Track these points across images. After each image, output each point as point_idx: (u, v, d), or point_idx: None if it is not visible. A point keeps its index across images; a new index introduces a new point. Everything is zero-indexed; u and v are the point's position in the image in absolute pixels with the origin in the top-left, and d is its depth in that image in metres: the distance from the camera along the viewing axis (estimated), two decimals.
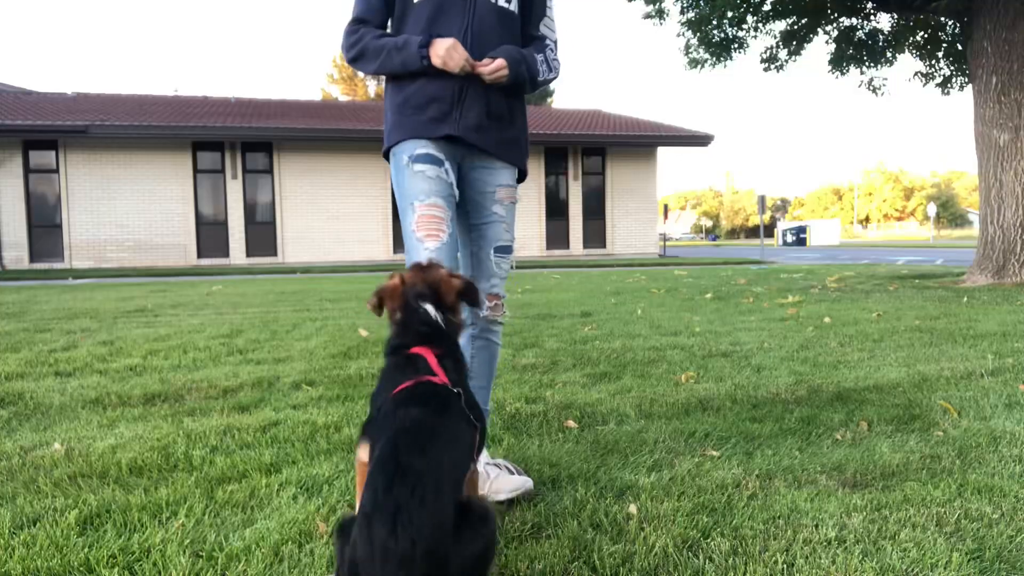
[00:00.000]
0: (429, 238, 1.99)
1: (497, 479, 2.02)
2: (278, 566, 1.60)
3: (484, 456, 2.10)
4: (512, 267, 2.26)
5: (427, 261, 1.78)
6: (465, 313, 1.88)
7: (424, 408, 1.36)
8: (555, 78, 2.22)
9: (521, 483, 2.01)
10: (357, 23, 2.10)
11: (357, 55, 2.08)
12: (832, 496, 1.98)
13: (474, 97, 2.05)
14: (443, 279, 1.62)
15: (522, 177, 2.26)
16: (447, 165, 2.06)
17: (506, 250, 2.20)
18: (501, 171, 2.18)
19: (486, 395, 2.23)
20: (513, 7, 2.12)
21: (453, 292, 1.62)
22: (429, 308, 1.58)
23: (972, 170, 75.73)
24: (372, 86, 39.24)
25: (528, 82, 2.12)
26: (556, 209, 22.42)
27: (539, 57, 2.14)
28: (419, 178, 2.03)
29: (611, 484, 2.08)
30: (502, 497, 1.97)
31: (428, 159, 2.04)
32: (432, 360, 1.51)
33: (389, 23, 2.17)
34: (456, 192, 2.11)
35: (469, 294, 1.66)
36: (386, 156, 2.15)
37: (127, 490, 2.07)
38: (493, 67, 1.98)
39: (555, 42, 2.24)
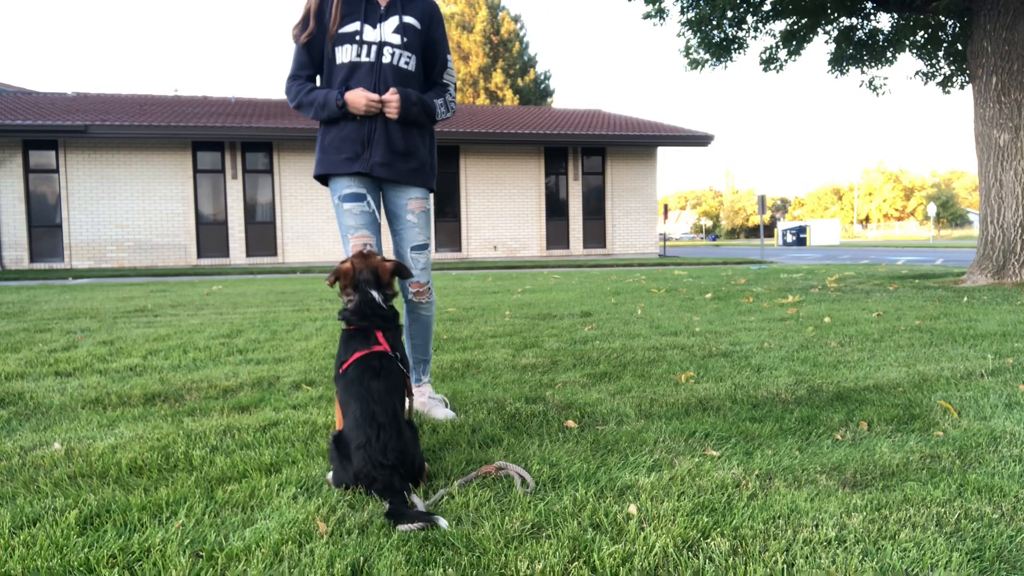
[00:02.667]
0: None
1: (434, 408, 2.95)
2: (278, 566, 1.60)
3: (429, 391, 3.03)
4: (429, 261, 2.98)
5: (367, 250, 2.41)
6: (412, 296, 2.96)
7: (379, 379, 2.09)
8: (451, 116, 2.96)
9: (448, 416, 2.89)
10: (292, 79, 2.81)
11: (297, 105, 2.78)
12: (832, 496, 1.98)
13: (379, 140, 2.73)
14: (379, 264, 2.30)
15: (431, 190, 2.95)
16: (368, 198, 2.80)
17: (421, 248, 2.92)
18: (411, 189, 2.86)
19: (426, 346, 3.07)
20: (411, 68, 2.80)
21: (388, 273, 2.30)
22: (375, 294, 2.24)
23: (972, 170, 75.73)
24: None
25: (426, 118, 2.80)
26: (556, 209, 22.42)
27: (438, 101, 2.85)
28: (348, 215, 2.80)
29: (611, 484, 2.08)
30: (438, 418, 2.88)
31: (353, 197, 2.78)
32: (380, 336, 2.20)
33: (319, 77, 2.86)
34: (378, 216, 2.86)
35: (399, 271, 2.36)
36: (317, 179, 2.88)
37: (127, 490, 2.07)
38: (387, 96, 2.68)
39: (454, 84, 2.95)
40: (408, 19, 2.78)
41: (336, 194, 2.80)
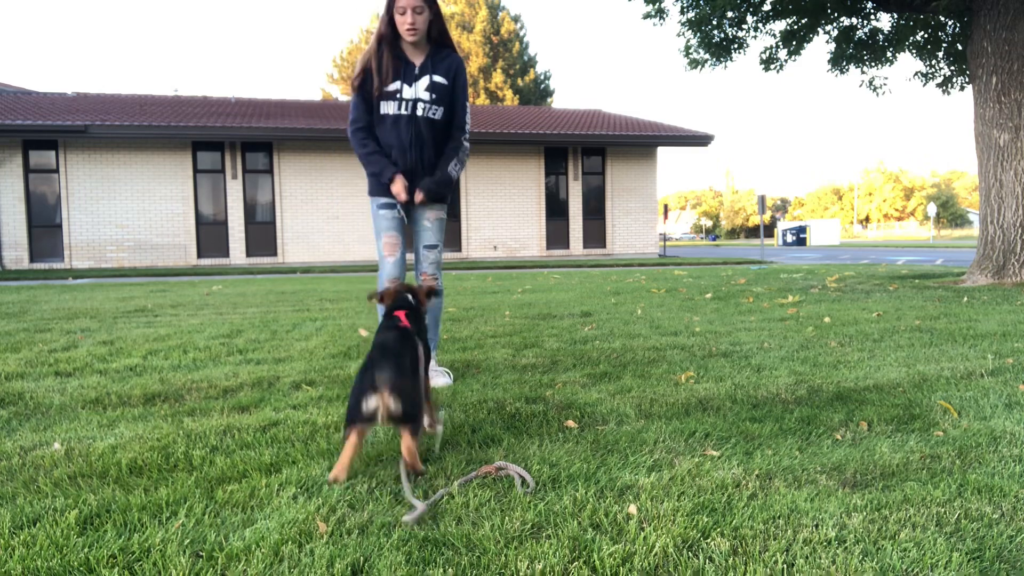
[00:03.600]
0: (389, 256, 3.57)
1: (435, 378, 3.47)
2: (278, 566, 1.60)
3: (432, 363, 3.57)
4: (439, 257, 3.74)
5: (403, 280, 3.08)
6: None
7: (395, 332, 2.42)
8: (464, 168, 3.77)
9: (447, 382, 3.50)
10: (356, 128, 3.51)
11: (359, 156, 3.53)
12: (832, 496, 1.98)
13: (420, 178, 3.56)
14: (418, 288, 2.82)
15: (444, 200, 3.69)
16: (398, 206, 3.56)
17: (432, 247, 3.67)
18: (433, 204, 3.63)
19: (435, 326, 3.70)
20: (439, 117, 3.54)
21: (423, 293, 2.82)
22: (410, 298, 2.72)
23: (972, 170, 75.72)
24: None
25: (447, 188, 3.57)
26: (556, 209, 22.42)
27: (453, 163, 3.57)
28: (383, 219, 3.57)
29: (611, 484, 2.08)
30: (438, 384, 3.44)
31: (387, 206, 3.56)
32: (403, 316, 2.54)
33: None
34: (405, 220, 3.61)
35: (431, 293, 2.88)
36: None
37: (127, 490, 2.07)
38: (418, 200, 3.51)
39: (468, 131, 3.65)
40: (437, 78, 3.49)
41: (375, 203, 3.58)
